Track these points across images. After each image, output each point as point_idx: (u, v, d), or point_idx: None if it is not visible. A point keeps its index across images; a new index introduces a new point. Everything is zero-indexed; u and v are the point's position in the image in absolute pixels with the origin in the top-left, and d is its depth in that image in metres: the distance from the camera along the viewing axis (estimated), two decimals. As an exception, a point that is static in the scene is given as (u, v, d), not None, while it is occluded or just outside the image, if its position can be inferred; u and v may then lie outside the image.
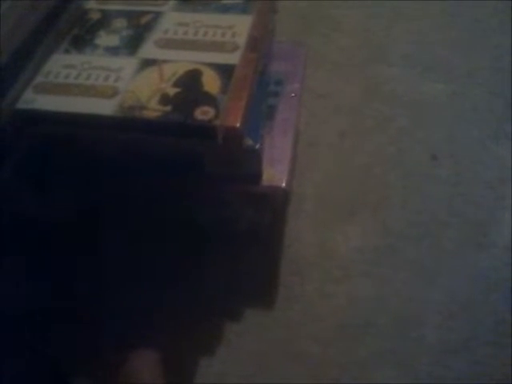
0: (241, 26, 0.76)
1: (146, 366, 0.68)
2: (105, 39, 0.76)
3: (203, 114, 0.65)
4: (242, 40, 0.74)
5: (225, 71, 0.70)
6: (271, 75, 0.87)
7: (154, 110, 0.65)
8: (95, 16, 0.79)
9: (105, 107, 0.66)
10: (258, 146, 0.72)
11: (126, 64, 0.72)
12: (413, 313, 0.83)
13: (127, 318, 0.78)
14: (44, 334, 0.73)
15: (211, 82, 0.69)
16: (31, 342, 0.72)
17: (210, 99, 0.67)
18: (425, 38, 1.25)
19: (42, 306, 0.75)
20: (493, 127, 1.07)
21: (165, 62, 0.72)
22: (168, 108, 0.66)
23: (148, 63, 0.72)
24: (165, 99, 0.67)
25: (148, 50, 0.74)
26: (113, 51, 0.74)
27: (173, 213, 0.79)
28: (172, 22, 0.78)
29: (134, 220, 0.78)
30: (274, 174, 0.76)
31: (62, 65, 0.72)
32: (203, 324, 0.80)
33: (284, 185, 0.75)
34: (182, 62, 0.72)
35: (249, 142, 0.71)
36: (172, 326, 0.78)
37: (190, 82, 0.69)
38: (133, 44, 0.75)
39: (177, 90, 0.68)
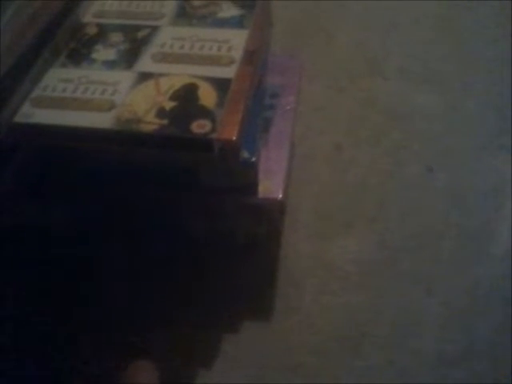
0: (237, 40, 0.77)
1: (143, 374, 0.68)
2: (102, 53, 0.76)
3: (200, 127, 0.65)
4: (238, 54, 0.75)
5: (221, 85, 0.71)
6: (267, 88, 0.87)
7: (150, 123, 0.66)
8: (92, 30, 0.80)
9: (102, 121, 0.67)
10: (254, 159, 0.72)
11: (123, 78, 0.72)
12: (410, 324, 0.83)
13: (124, 327, 0.78)
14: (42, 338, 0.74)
15: (207, 96, 0.69)
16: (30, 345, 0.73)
17: (206, 113, 0.67)
18: (420, 50, 1.25)
19: (41, 311, 0.75)
20: (488, 139, 1.07)
21: (161, 75, 0.72)
22: (165, 121, 0.66)
23: (145, 77, 0.72)
24: (161, 113, 0.67)
25: (145, 63, 0.74)
26: (110, 65, 0.75)
27: (169, 225, 0.79)
28: (168, 36, 0.78)
29: (130, 232, 0.78)
30: (270, 186, 0.76)
31: (59, 79, 0.72)
32: (199, 335, 0.80)
33: (280, 197, 0.76)
34: (178, 75, 0.72)
35: (245, 154, 0.72)
36: (168, 337, 0.78)
37: (187, 95, 0.70)
38: (129, 58, 0.75)
39: (173, 103, 0.68)
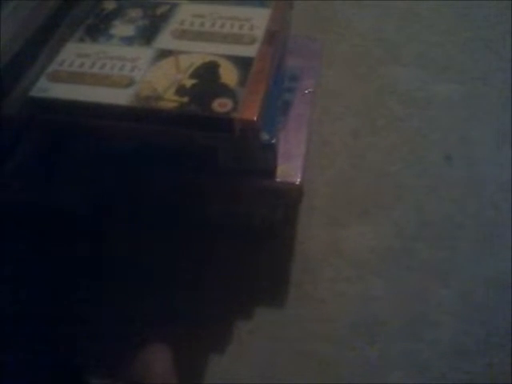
0: (258, 19, 0.75)
1: (159, 359, 0.67)
2: (120, 29, 0.75)
3: (221, 106, 0.64)
4: (259, 33, 0.73)
5: (242, 64, 0.69)
6: (286, 70, 0.86)
7: (170, 100, 0.64)
8: (110, 6, 0.78)
9: (120, 97, 0.65)
10: (273, 141, 0.71)
11: (142, 54, 0.71)
12: (426, 314, 0.82)
13: (140, 313, 0.77)
14: (53, 330, 0.72)
15: (228, 74, 0.68)
16: (37, 339, 0.71)
17: (227, 91, 0.65)
18: (438, 38, 1.23)
19: (47, 302, 0.74)
20: (506, 129, 1.06)
21: (181, 52, 0.71)
22: (185, 99, 0.64)
23: (164, 54, 0.71)
24: (182, 90, 0.66)
25: (164, 40, 0.73)
26: (128, 41, 0.73)
27: (185, 207, 0.77)
28: (188, 13, 0.77)
29: (146, 213, 0.77)
30: (289, 169, 0.75)
31: (76, 53, 0.71)
32: (214, 322, 0.78)
33: (299, 181, 0.74)
34: (198, 53, 0.71)
35: (265, 136, 0.70)
36: (183, 323, 0.77)
37: (207, 73, 0.68)
38: (148, 34, 0.74)
39: (194, 81, 0.67)
